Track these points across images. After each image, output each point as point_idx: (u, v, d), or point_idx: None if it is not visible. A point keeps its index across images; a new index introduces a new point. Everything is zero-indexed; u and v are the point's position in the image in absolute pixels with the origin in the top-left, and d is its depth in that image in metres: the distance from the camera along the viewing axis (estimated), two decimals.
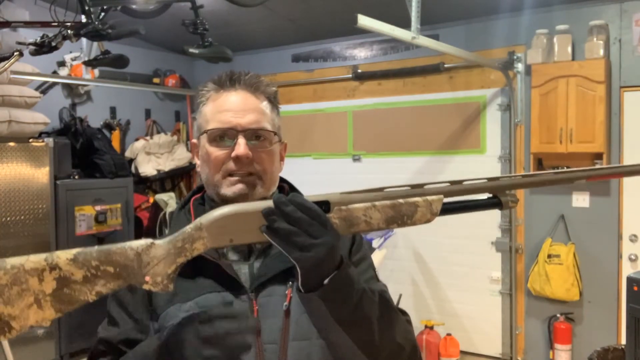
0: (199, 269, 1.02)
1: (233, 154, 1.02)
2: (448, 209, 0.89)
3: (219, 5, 3.84)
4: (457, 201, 0.89)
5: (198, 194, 1.15)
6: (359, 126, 4.81)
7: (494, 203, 0.89)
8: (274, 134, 1.07)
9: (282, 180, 1.15)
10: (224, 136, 1.04)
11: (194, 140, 1.12)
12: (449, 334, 4.25)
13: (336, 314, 0.86)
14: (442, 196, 0.88)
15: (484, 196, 0.91)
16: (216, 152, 1.03)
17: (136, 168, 4.91)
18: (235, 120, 1.03)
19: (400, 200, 0.86)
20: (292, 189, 1.16)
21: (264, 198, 1.04)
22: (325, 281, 0.84)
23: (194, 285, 1.02)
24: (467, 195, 0.90)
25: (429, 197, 0.87)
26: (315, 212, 0.82)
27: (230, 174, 1.03)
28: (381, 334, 0.92)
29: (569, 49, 3.81)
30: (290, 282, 1.01)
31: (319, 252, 0.81)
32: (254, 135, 1.04)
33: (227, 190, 1.03)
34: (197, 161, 1.11)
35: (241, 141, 1.02)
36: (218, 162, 1.03)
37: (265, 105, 1.07)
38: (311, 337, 0.99)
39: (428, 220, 0.87)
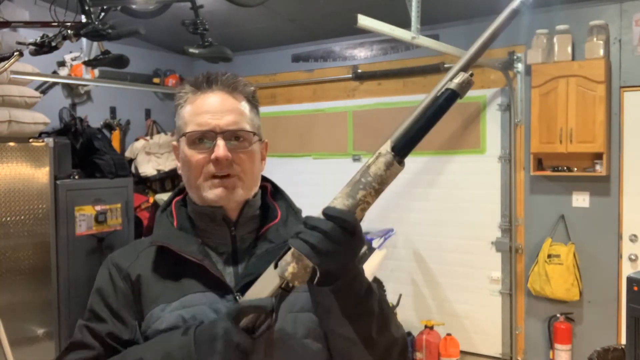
0: (183, 270, 1.03)
1: (212, 156, 1.01)
2: (405, 144, 0.84)
3: (219, 5, 3.84)
4: (407, 132, 0.85)
5: (179, 195, 1.15)
6: (359, 126, 4.81)
7: (447, 98, 0.84)
8: (253, 134, 1.06)
9: (264, 179, 1.15)
10: (202, 138, 1.03)
11: (175, 143, 1.11)
12: (449, 334, 4.25)
13: (345, 307, 0.90)
14: (389, 140, 0.85)
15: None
16: (195, 155, 1.03)
17: (136, 168, 4.91)
18: (214, 122, 1.02)
19: (357, 176, 0.85)
20: (275, 188, 1.16)
21: (246, 200, 1.06)
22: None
23: (179, 285, 1.02)
24: (417, 123, 0.85)
25: (379, 151, 0.85)
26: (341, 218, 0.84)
27: (212, 176, 1.03)
28: (379, 327, 0.96)
29: (569, 49, 3.81)
30: None
31: (341, 260, 0.85)
32: (233, 136, 1.03)
33: (209, 193, 1.03)
34: (178, 164, 1.11)
35: (220, 143, 1.01)
36: (198, 165, 1.03)
37: (243, 105, 1.07)
38: (296, 336, 1.00)
39: (391, 166, 0.83)
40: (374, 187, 0.83)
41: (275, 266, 0.89)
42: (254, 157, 1.06)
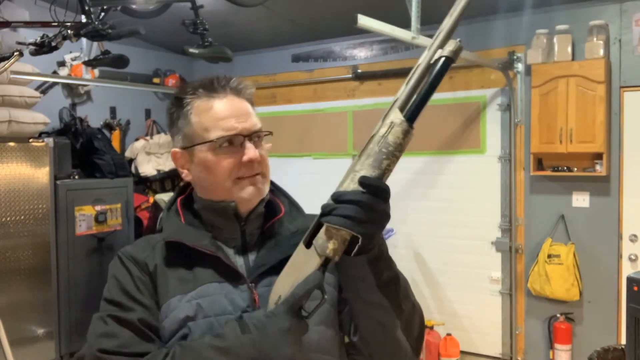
0: (196, 263, 1.05)
1: (245, 158, 1.05)
2: (414, 112, 0.88)
3: (219, 5, 3.84)
4: (413, 101, 0.89)
5: (182, 195, 1.17)
6: (359, 126, 4.81)
7: (443, 65, 0.88)
8: (268, 133, 1.11)
9: None
10: (230, 143, 1.05)
11: (177, 150, 1.11)
12: (449, 334, 4.25)
13: (378, 274, 0.96)
14: (396, 109, 0.88)
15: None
16: (224, 159, 1.05)
17: (136, 168, 4.91)
18: (241, 126, 1.06)
19: (374, 148, 0.89)
20: (274, 185, 1.20)
21: (261, 201, 1.10)
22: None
23: (193, 277, 1.04)
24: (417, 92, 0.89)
25: (388, 120, 0.89)
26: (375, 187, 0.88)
27: (239, 177, 1.06)
28: (404, 293, 1.02)
29: (569, 49, 3.81)
30: None
31: (379, 224, 0.89)
32: (257, 136, 1.08)
33: (243, 193, 1.06)
34: (184, 171, 1.11)
35: (250, 145, 1.06)
36: (227, 169, 1.05)
37: (250, 107, 1.11)
38: (311, 324, 1.01)
39: (407, 133, 0.87)
40: (396, 155, 0.87)
41: (308, 246, 0.92)
42: (267, 152, 1.12)
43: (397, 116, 0.87)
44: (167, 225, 1.11)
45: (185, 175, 1.11)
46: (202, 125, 1.06)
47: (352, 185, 0.88)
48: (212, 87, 1.08)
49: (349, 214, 0.86)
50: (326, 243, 0.89)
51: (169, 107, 1.13)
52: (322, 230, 0.89)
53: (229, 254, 1.08)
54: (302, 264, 0.92)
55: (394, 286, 0.99)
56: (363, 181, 0.87)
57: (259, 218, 1.11)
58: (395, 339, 1.03)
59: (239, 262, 1.08)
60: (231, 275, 1.04)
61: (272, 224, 1.12)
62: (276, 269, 1.03)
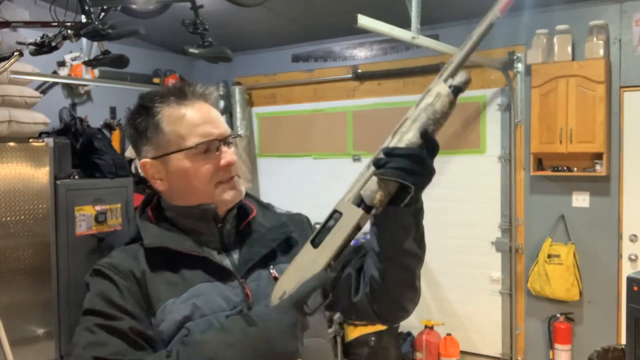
0: (182, 266, 1.06)
1: (223, 162, 1.07)
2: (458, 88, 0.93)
3: (219, 5, 3.84)
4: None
5: (150, 203, 1.17)
6: (359, 126, 4.81)
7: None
8: (238, 136, 1.14)
9: None
10: (207, 148, 1.07)
11: (147, 160, 1.09)
12: (449, 334, 4.26)
13: (420, 225, 1.03)
14: (442, 83, 0.94)
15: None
16: (203, 165, 1.07)
17: (136, 168, 4.91)
18: (217, 131, 1.08)
19: (421, 115, 0.94)
20: None
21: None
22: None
23: (182, 279, 1.05)
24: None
25: (434, 91, 0.94)
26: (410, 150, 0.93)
27: (220, 181, 1.08)
28: (424, 237, 1.07)
29: (569, 49, 3.81)
30: (270, 265, 1.10)
31: (429, 176, 0.94)
32: (229, 141, 1.11)
33: (225, 196, 1.09)
34: (156, 181, 1.10)
35: (227, 149, 1.09)
36: (208, 174, 1.07)
37: (217, 111, 1.14)
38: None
39: (453, 104, 0.93)
40: (441, 122, 0.93)
41: (315, 246, 0.95)
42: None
43: (443, 88, 0.93)
44: (145, 233, 1.09)
45: (159, 185, 1.10)
46: (176, 133, 1.06)
47: (400, 144, 0.94)
48: (181, 94, 1.09)
49: (403, 166, 0.91)
50: (374, 194, 0.93)
51: (132, 117, 1.11)
52: (372, 181, 0.94)
53: (213, 254, 1.10)
54: (310, 263, 0.95)
55: (423, 232, 1.06)
56: (424, 131, 0.92)
57: (234, 219, 1.14)
58: (416, 284, 1.10)
59: (224, 260, 1.10)
60: (221, 274, 1.06)
61: (247, 222, 1.15)
62: (260, 264, 1.09)
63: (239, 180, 1.11)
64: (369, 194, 0.94)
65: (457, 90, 0.92)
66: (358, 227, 0.95)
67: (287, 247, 1.15)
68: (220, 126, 1.09)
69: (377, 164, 0.93)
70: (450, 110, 0.93)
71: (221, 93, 5.12)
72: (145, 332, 1.00)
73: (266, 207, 1.22)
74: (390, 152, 0.93)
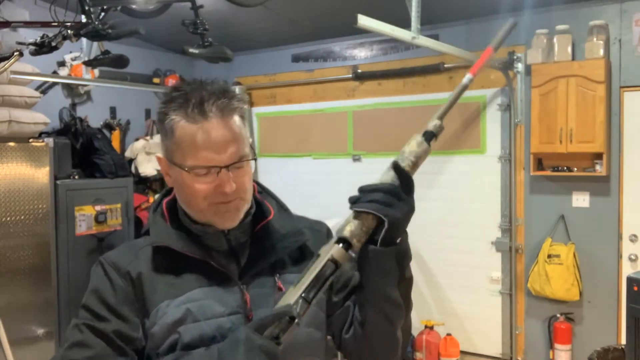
0: (184, 267, 1.05)
1: (219, 189, 1.01)
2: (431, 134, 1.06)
3: (219, 5, 3.84)
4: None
5: (168, 196, 1.14)
6: (359, 126, 4.81)
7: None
8: (251, 156, 1.06)
9: None
10: (207, 172, 1.01)
11: (161, 157, 1.08)
12: (449, 334, 4.25)
13: (403, 270, 1.01)
14: (420, 139, 1.05)
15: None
16: (198, 184, 1.01)
17: (136, 168, 4.91)
18: (218, 158, 1.00)
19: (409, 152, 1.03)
20: (260, 186, 1.19)
21: (247, 211, 1.09)
22: (398, 240, 0.99)
23: (182, 282, 1.04)
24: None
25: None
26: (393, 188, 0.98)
27: (216, 203, 1.03)
28: (410, 291, 1.08)
29: (569, 49, 3.81)
30: (277, 275, 1.08)
31: (403, 210, 0.96)
32: (235, 167, 1.03)
33: (216, 218, 1.04)
34: (167, 177, 1.09)
35: (226, 177, 1.01)
36: (201, 194, 1.02)
37: (238, 124, 1.03)
38: (300, 324, 1.01)
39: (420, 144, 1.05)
40: (413, 161, 1.01)
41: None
42: (250, 174, 1.08)
43: (418, 136, 1.07)
44: (153, 228, 1.09)
45: (168, 181, 1.10)
46: (180, 148, 1.02)
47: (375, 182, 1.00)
48: (200, 110, 1.00)
49: (375, 198, 0.94)
50: (346, 225, 0.97)
51: (161, 106, 1.06)
52: (349, 217, 0.98)
53: (218, 257, 1.07)
54: (285, 299, 0.96)
55: (410, 285, 1.05)
56: (395, 164, 0.98)
57: (245, 225, 1.10)
58: (396, 335, 1.08)
59: (229, 265, 1.07)
60: (221, 278, 1.05)
61: (261, 226, 1.12)
62: (266, 271, 1.08)
63: (239, 204, 1.05)
64: (342, 226, 0.98)
65: (429, 136, 1.03)
66: (334, 262, 0.95)
67: (299, 256, 1.12)
68: (227, 151, 1.00)
69: (351, 200, 0.98)
70: (420, 150, 1.02)
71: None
72: (131, 335, 1.01)
73: (285, 210, 1.17)
74: (363, 189, 0.98)
